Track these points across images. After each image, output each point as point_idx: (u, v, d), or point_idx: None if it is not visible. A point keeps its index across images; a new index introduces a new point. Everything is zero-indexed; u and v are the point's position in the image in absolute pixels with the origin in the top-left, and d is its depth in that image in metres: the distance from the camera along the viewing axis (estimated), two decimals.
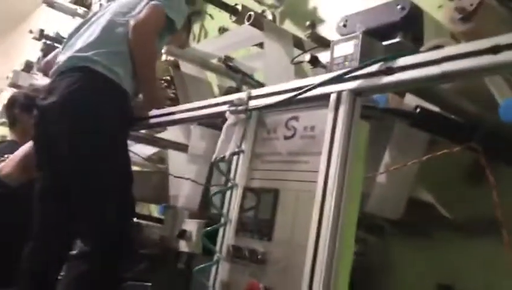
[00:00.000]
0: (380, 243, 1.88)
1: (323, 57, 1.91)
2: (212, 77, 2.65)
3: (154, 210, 3.03)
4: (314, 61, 1.90)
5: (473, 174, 1.70)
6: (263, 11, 3.08)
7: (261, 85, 2.34)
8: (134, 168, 2.39)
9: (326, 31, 2.44)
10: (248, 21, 2.00)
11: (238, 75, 2.25)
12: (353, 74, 1.06)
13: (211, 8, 3.48)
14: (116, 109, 1.86)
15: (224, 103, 1.42)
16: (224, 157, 1.28)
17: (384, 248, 1.88)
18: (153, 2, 1.95)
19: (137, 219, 2.48)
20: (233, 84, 2.56)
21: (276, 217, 1.17)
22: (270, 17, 3.01)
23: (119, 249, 1.72)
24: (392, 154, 1.39)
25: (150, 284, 1.95)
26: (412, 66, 0.97)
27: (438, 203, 1.81)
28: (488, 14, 1.22)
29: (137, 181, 1.91)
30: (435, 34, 1.59)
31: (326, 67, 1.73)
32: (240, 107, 1.29)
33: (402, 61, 0.99)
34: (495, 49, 0.82)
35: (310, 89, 1.12)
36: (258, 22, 2.03)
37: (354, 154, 1.07)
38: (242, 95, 1.36)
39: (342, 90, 1.08)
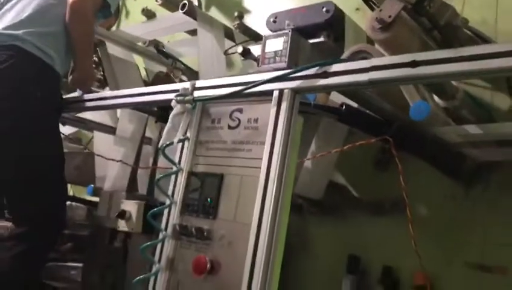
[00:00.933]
0: (299, 220, 2.10)
1: (254, 49, 2.06)
2: (138, 60, 2.68)
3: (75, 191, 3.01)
4: (246, 54, 2.04)
5: (379, 161, 1.97)
6: None
7: (191, 71, 2.43)
8: None
9: (252, 21, 2.58)
10: (182, 10, 2.07)
11: (168, 60, 2.31)
12: (294, 75, 1.21)
13: None
14: (47, 91, 1.85)
15: (169, 92, 1.52)
16: (171, 143, 1.38)
17: (302, 225, 2.09)
18: None
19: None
20: (160, 68, 2.61)
21: (221, 198, 1.31)
22: (195, 2, 3.08)
23: (54, 230, 1.75)
24: (317, 143, 1.58)
25: (80, 265, 1.98)
26: (344, 72, 1.14)
27: (349, 185, 2.07)
28: (402, 26, 1.43)
29: None
30: (353, 35, 1.79)
31: (257, 60, 1.88)
32: (187, 98, 1.39)
33: (336, 67, 1.16)
34: (413, 64, 1.02)
35: (256, 85, 1.26)
36: (192, 10, 2.11)
37: (292, 144, 1.23)
38: (186, 85, 1.47)
39: (284, 88, 1.23)
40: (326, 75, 1.17)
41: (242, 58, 2.07)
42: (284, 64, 1.70)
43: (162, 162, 2.23)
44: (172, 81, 2.35)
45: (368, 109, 1.42)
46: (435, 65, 1.00)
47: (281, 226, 1.20)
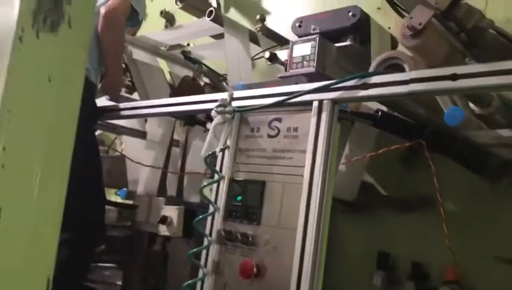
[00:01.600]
0: (331, 219, 2.15)
1: (280, 54, 2.11)
2: (162, 64, 2.74)
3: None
4: (273, 59, 2.09)
5: (406, 159, 2.02)
6: None
7: (218, 75, 2.49)
8: None
9: (274, 23, 2.62)
10: (209, 17, 2.13)
11: (194, 65, 2.37)
12: (334, 86, 1.27)
13: None
14: (84, 101, 1.91)
15: (207, 101, 1.58)
16: (214, 153, 1.44)
17: (333, 224, 2.15)
18: None
19: None
20: (184, 71, 2.67)
21: (264, 204, 1.37)
22: (214, 3, 3.13)
23: (95, 235, 1.82)
24: (350, 147, 1.64)
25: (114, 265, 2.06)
26: (384, 84, 1.19)
27: (377, 183, 2.12)
28: (432, 32, 1.47)
29: None
30: (378, 36, 1.83)
31: (284, 65, 1.93)
32: (227, 108, 1.45)
33: (376, 79, 1.21)
34: (453, 77, 1.07)
35: (297, 96, 1.32)
36: (218, 17, 2.16)
37: (333, 151, 1.29)
38: (225, 95, 1.52)
39: (323, 99, 1.29)
40: (366, 86, 1.22)
41: (269, 63, 2.12)
42: (312, 69, 1.76)
43: (189, 165, 2.31)
44: (198, 85, 2.41)
45: (401, 114, 1.48)
46: (474, 78, 1.05)
47: (325, 230, 1.26)
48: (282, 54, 2.12)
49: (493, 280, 1.81)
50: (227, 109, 1.46)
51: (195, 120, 2.21)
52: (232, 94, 1.51)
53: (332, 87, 1.27)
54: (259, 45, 2.33)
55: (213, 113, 1.49)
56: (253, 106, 1.44)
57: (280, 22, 2.53)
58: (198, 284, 1.42)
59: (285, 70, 1.84)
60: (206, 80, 2.60)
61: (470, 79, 1.06)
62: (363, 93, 1.23)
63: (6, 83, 0.62)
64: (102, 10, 1.97)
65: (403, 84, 1.16)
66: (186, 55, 2.39)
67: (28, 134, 0.64)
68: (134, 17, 2.12)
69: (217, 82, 2.44)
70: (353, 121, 1.61)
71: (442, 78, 1.10)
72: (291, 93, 1.36)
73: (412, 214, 1.98)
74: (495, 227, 1.83)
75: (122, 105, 1.93)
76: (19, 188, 0.62)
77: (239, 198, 1.43)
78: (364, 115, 1.45)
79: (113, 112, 1.93)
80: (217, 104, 1.48)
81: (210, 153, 1.45)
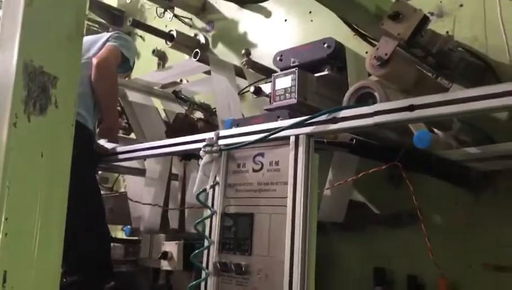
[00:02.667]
0: (324, 239, 2.24)
1: (265, 87, 2.23)
2: (156, 102, 2.87)
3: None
4: (258, 92, 2.21)
5: (392, 177, 2.11)
6: (196, 35, 3.33)
7: (209, 110, 2.61)
8: None
9: (259, 55, 2.75)
10: (195, 58, 2.26)
11: (186, 103, 2.49)
12: (308, 122, 1.37)
13: (140, 30, 3.66)
14: (83, 149, 2.03)
15: (195, 142, 1.69)
16: (204, 190, 1.54)
17: (327, 244, 2.24)
18: (109, 43, 2.15)
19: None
20: (178, 108, 2.80)
21: (254, 235, 1.47)
22: (203, 40, 3.28)
23: (101, 274, 1.92)
24: (333, 172, 1.74)
25: None
26: (352, 118, 1.30)
27: (368, 201, 2.22)
28: (398, 60, 1.58)
29: None
30: (354, 61, 1.93)
31: (268, 97, 2.04)
32: (214, 148, 1.56)
33: (344, 113, 1.32)
34: (411, 108, 1.18)
35: (275, 133, 1.42)
36: (205, 57, 2.29)
37: (312, 180, 1.39)
38: (211, 135, 1.64)
39: (299, 134, 1.39)
40: (335, 120, 1.33)
41: (255, 96, 2.24)
42: (294, 101, 1.87)
43: (189, 197, 2.41)
44: (191, 121, 2.53)
45: (375, 140, 1.58)
46: (430, 108, 1.16)
47: (312, 255, 1.36)
48: (267, 87, 2.24)
49: (485, 287, 1.88)
50: (214, 148, 1.57)
51: (191, 155, 2.32)
52: (218, 133, 1.63)
53: (307, 122, 1.38)
54: (245, 78, 2.45)
55: (201, 153, 1.59)
56: (238, 143, 1.54)
57: (266, 54, 2.66)
58: None
59: (270, 103, 1.96)
60: (199, 115, 2.72)
61: (425, 109, 1.17)
62: (333, 126, 1.34)
63: (5, 161, 0.73)
64: (94, 61, 2.10)
65: (368, 116, 1.27)
66: (177, 94, 2.51)
67: (25, 203, 0.75)
68: (126, 64, 2.25)
69: (209, 116, 2.56)
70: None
71: (401, 110, 1.20)
72: (271, 130, 1.47)
73: (403, 229, 2.07)
74: (482, 236, 1.91)
75: (119, 149, 2.05)
76: (21, 252, 0.73)
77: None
78: (341, 144, 1.55)
79: (112, 156, 2.05)
80: (203, 144, 1.59)
81: (202, 190, 1.55)
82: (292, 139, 1.41)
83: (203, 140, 1.63)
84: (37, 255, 0.75)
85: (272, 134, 1.43)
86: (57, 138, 0.79)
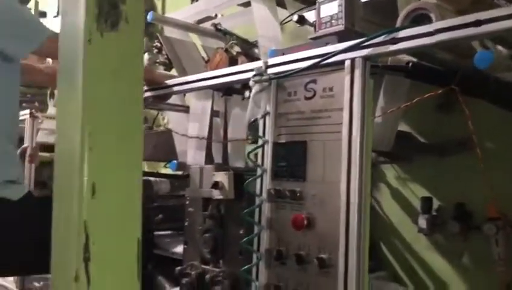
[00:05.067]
0: (373, 171, 2.24)
1: (308, 15, 2.16)
2: (194, 38, 2.83)
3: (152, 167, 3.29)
4: (302, 21, 2.15)
5: (442, 105, 2.06)
6: None
7: (250, 44, 2.56)
8: None
9: None
10: None
11: (226, 37, 2.45)
12: (364, 44, 1.33)
13: None
14: None
15: (243, 72, 1.67)
16: (256, 119, 1.55)
17: (375, 174, 2.24)
18: None
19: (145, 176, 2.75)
20: (216, 43, 2.75)
21: (307, 162, 1.48)
22: None
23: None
24: (385, 99, 1.70)
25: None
26: (412, 37, 1.25)
27: (414, 131, 2.19)
28: None
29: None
30: None
31: (313, 26, 1.98)
32: (263, 77, 1.54)
33: (403, 33, 1.27)
34: (477, 23, 1.12)
35: (329, 57, 1.39)
36: None
37: (368, 106, 1.37)
38: (259, 64, 1.61)
39: (355, 57, 1.36)
40: (394, 41, 1.28)
41: (298, 25, 2.18)
42: (341, 27, 1.80)
43: (231, 132, 2.42)
44: (231, 55, 2.49)
45: (431, 63, 1.53)
46: (497, 22, 1.10)
47: (368, 180, 1.36)
48: (310, 16, 2.17)
49: None
50: (264, 77, 1.55)
51: (232, 90, 2.31)
52: (267, 62, 1.60)
53: (362, 45, 1.34)
54: (286, 9, 2.38)
55: (251, 82, 1.58)
56: (288, 71, 1.52)
57: None
58: (255, 240, 1.56)
59: (315, 31, 1.90)
60: (238, 49, 2.68)
61: (492, 23, 1.11)
62: (392, 48, 1.29)
63: (83, 77, 0.74)
64: None
65: (429, 35, 1.21)
66: (217, 27, 2.47)
67: (104, 117, 0.77)
68: None
69: (248, 50, 2.51)
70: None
71: (466, 26, 1.15)
72: (324, 55, 1.43)
73: (451, 158, 2.04)
74: None
75: (169, 82, 2.06)
76: (110, 171, 0.75)
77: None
78: (396, 68, 1.51)
79: (163, 89, 2.07)
80: (253, 73, 1.57)
81: (253, 120, 1.56)
82: (347, 63, 1.38)
83: (250, 70, 1.61)
84: (126, 173, 0.77)
85: (328, 58, 1.40)
86: (129, 51, 0.80)
